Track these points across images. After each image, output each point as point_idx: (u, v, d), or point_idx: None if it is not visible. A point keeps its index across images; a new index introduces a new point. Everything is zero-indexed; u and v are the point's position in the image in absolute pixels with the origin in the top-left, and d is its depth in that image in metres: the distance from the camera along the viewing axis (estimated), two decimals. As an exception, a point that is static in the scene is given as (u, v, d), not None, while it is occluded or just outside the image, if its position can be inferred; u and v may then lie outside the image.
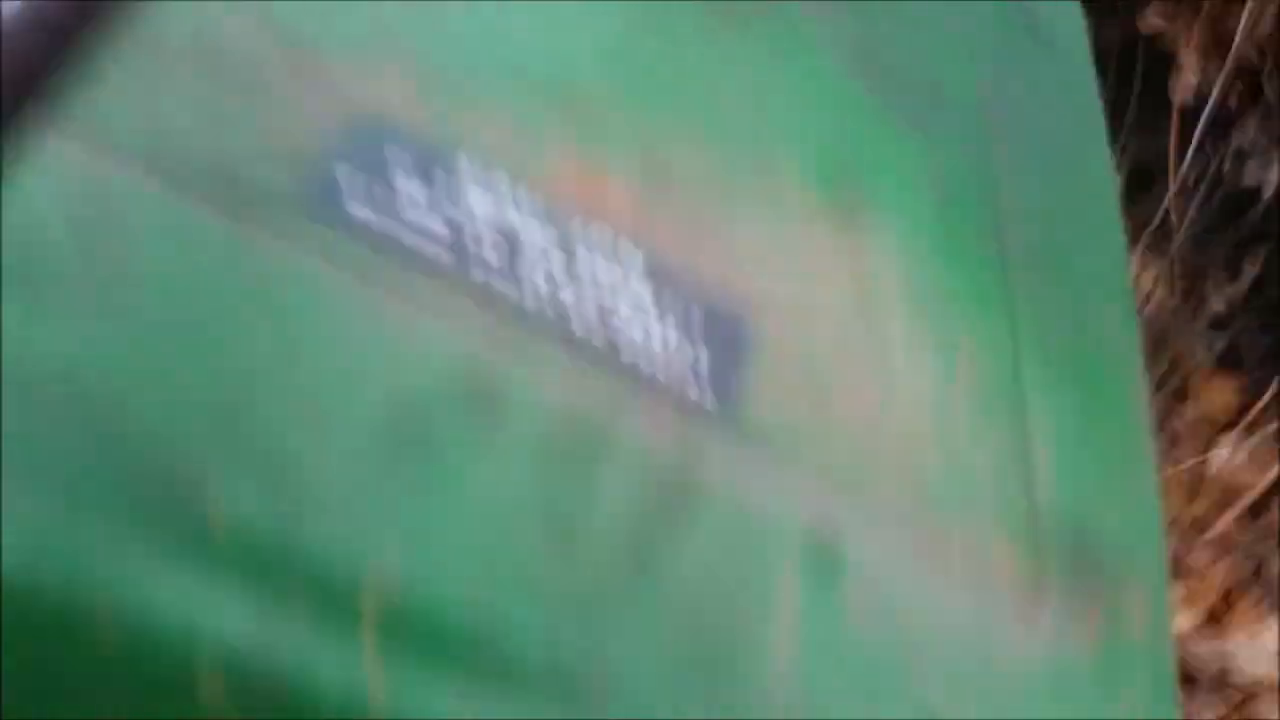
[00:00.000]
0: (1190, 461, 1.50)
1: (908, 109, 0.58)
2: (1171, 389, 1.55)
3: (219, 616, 0.32)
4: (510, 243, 0.42)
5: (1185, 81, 1.51)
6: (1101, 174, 0.68)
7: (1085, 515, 0.49)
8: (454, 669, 0.34)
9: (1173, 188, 1.53)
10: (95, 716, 0.32)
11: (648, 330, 0.43)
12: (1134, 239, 1.47)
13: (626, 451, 0.40)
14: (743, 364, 0.44)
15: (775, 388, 0.44)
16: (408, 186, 0.41)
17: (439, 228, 0.41)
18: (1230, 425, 1.54)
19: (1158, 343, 1.52)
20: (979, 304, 0.53)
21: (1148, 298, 1.55)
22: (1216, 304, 1.61)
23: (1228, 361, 1.61)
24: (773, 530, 0.41)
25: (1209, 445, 1.52)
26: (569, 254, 0.43)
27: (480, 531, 0.36)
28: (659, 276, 0.44)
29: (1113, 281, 0.63)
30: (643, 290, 0.44)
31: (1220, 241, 1.59)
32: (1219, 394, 1.58)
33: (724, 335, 0.44)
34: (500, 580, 0.35)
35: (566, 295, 0.42)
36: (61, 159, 0.34)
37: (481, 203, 0.42)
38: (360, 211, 0.39)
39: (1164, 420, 1.51)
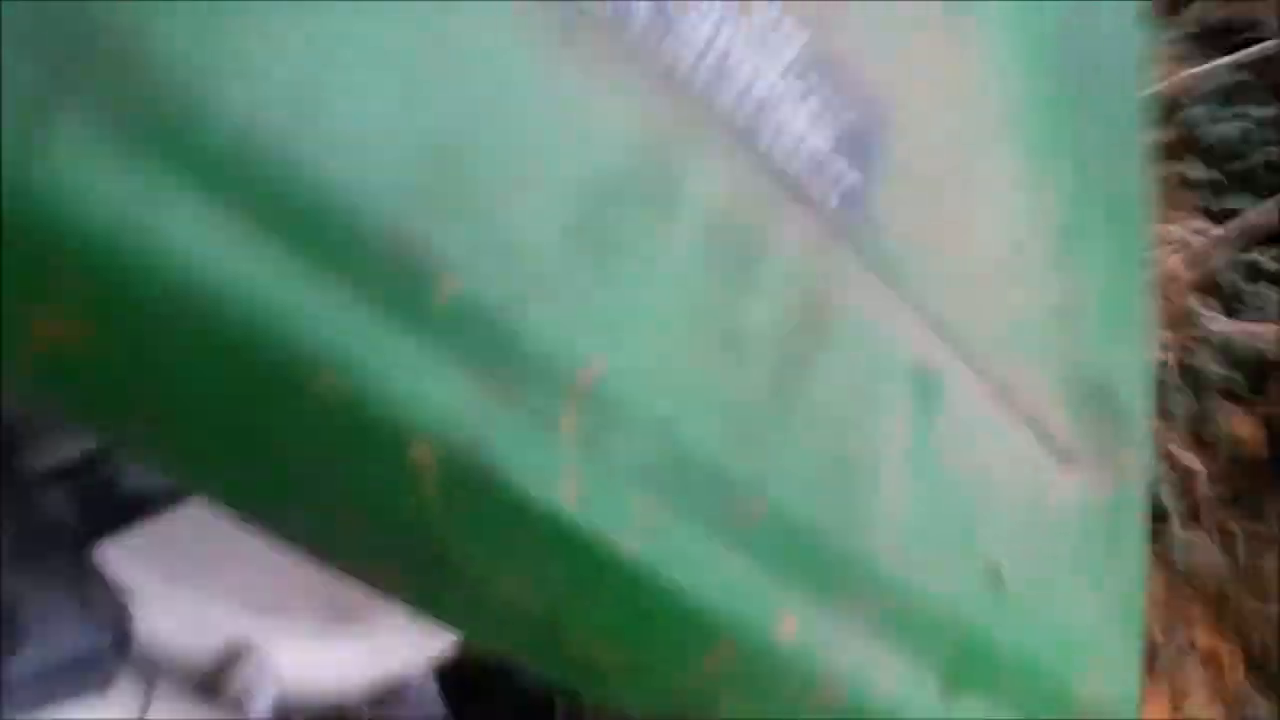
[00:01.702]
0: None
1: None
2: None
3: (435, 387, 0.30)
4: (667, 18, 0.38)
5: None
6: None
7: (1105, 370, 0.52)
8: (643, 474, 0.33)
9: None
10: (300, 474, 0.30)
11: (799, 125, 0.41)
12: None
13: (778, 257, 0.39)
14: (873, 177, 0.43)
15: (897, 208, 0.44)
16: None
17: None
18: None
19: None
20: (1047, 144, 0.53)
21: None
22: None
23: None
24: (887, 356, 0.41)
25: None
26: (733, 30, 0.40)
27: (664, 331, 0.35)
28: (812, 67, 0.42)
29: (1128, 146, 0.63)
30: (796, 83, 0.41)
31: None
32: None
33: (860, 142, 0.43)
34: (680, 383, 0.35)
35: (726, 79, 0.39)
36: None
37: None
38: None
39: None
